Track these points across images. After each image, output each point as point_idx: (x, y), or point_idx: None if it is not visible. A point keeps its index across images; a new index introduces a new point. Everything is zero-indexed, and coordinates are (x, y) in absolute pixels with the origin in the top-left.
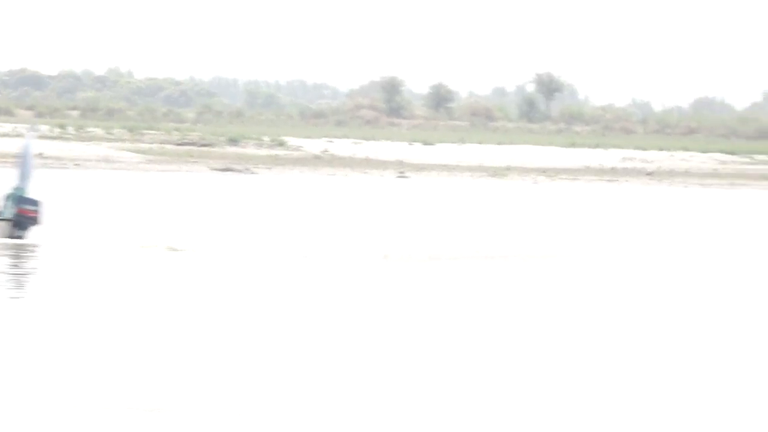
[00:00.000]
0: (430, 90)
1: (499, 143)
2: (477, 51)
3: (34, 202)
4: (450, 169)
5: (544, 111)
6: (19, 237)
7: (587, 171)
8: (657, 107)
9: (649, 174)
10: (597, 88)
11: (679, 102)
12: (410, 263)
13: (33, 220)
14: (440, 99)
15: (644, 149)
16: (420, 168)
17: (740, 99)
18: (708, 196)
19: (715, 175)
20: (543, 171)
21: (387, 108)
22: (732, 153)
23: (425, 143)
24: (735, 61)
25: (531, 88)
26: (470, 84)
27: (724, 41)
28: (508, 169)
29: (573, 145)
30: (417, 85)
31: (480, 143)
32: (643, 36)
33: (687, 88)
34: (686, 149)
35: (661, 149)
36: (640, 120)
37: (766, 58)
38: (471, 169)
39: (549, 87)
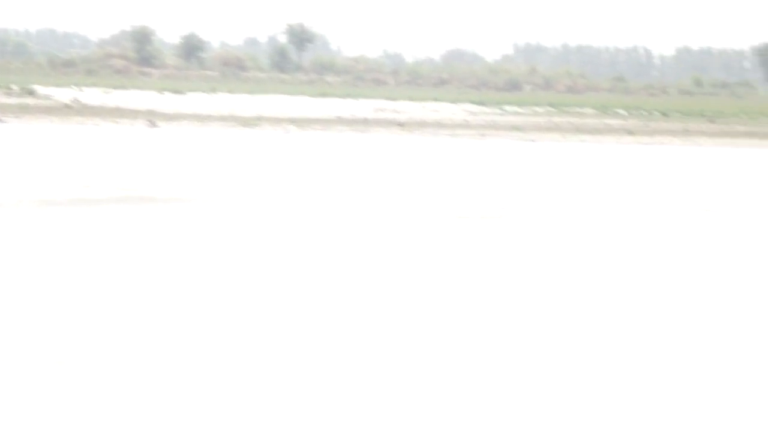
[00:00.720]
0: (182, 40)
1: (251, 93)
2: (229, 1)
3: None
4: (201, 119)
5: (296, 62)
6: None
7: (339, 121)
8: (409, 59)
9: (401, 124)
10: (349, 40)
11: (431, 54)
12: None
13: None
14: (191, 49)
15: (395, 100)
16: (171, 118)
17: (491, 51)
18: (456, 145)
19: (465, 125)
20: (294, 121)
21: (138, 57)
22: (482, 104)
23: (176, 92)
24: (486, 13)
25: (283, 38)
26: (222, 34)
27: None
28: (260, 119)
29: (324, 95)
30: (168, 34)
31: (231, 93)
32: None
33: (438, 39)
34: (437, 100)
35: (412, 100)
36: (391, 71)
37: (516, 11)
38: (222, 118)
39: (301, 38)
